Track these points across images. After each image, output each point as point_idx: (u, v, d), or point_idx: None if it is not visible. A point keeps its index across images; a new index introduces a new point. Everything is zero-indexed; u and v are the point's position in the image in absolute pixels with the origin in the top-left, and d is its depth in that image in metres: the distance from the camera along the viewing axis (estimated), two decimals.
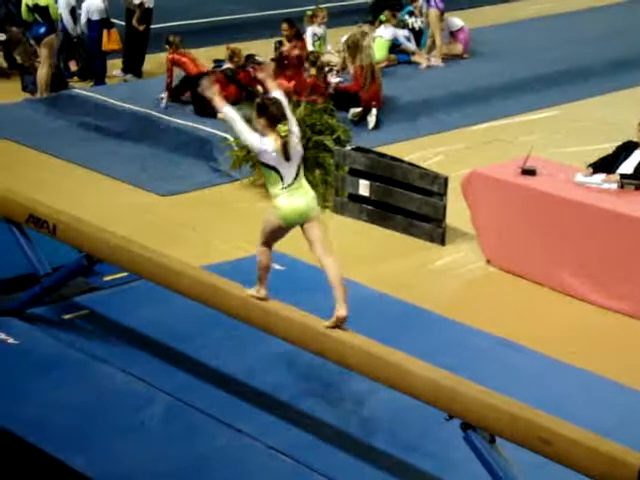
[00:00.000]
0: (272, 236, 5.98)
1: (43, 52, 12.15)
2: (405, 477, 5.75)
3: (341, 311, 5.71)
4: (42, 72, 12.19)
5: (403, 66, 13.33)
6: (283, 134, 5.59)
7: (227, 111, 5.68)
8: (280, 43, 12.13)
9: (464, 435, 5.22)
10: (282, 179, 5.73)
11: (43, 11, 12.05)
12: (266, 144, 5.62)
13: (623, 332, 7.66)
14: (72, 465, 5.51)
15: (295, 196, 5.74)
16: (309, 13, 12.90)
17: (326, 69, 11.74)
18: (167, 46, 11.50)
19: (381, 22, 13.26)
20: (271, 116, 5.59)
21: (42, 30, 12.09)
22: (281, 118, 5.60)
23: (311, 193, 5.83)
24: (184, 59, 11.46)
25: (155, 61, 13.43)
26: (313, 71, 11.34)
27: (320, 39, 12.69)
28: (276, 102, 5.67)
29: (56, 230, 6.87)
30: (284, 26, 12.00)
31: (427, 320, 7.55)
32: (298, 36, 12.10)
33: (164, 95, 11.39)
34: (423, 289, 8.20)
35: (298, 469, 5.75)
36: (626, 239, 7.79)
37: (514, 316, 7.83)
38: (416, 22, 13.78)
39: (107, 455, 5.78)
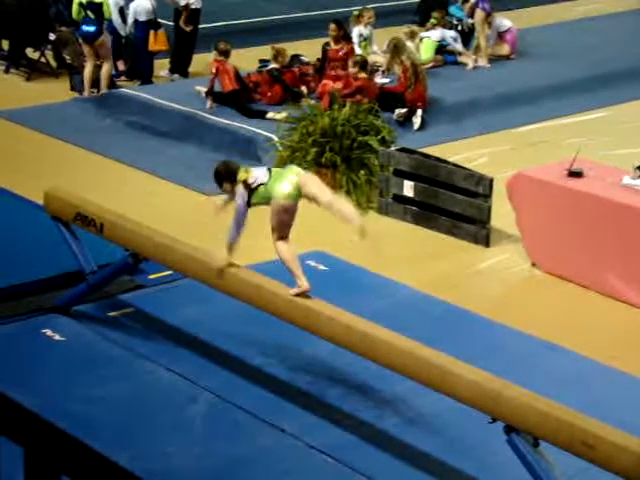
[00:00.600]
0: (284, 225, 6.42)
1: (102, 52, 12.27)
2: (448, 479, 5.74)
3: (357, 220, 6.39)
4: (104, 70, 12.35)
5: (449, 67, 13.30)
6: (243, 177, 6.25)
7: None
8: (328, 44, 12.12)
9: (507, 438, 5.20)
10: (265, 184, 6.29)
11: (96, 9, 12.16)
12: (243, 195, 6.31)
13: None
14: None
15: (282, 177, 6.28)
16: (355, 13, 12.88)
17: (372, 70, 11.73)
18: (215, 51, 11.51)
19: (433, 23, 13.24)
20: (228, 174, 6.36)
21: (92, 29, 12.20)
22: (235, 170, 6.34)
23: (290, 167, 6.45)
24: (225, 72, 11.46)
25: (202, 61, 13.49)
26: (359, 72, 11.33)
27: (366, 40, 12.67)
28: (222, 163, 6.56)
29: (103, 228, 6.93)
30: (332, 27, 11.99)
31: (471, 322, 7.52)
32: (346, 37, 12.09)
33: (201, 88, 11.44)
34: (467, 291, 8.18)
35: (339, 469, 5.76)
36: None
37: (559, 319, 7.78)
38: (465, 23, 13.73)
39: (151, 452, 5.83)
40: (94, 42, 12.24)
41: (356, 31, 12.69)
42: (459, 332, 7.28)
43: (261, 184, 6.25)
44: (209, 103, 11.38)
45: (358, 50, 12.34)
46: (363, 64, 11.33)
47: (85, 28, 12.23)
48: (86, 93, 12.30)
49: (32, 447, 1.68)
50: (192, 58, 13.23)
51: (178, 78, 13.10)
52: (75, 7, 12.26)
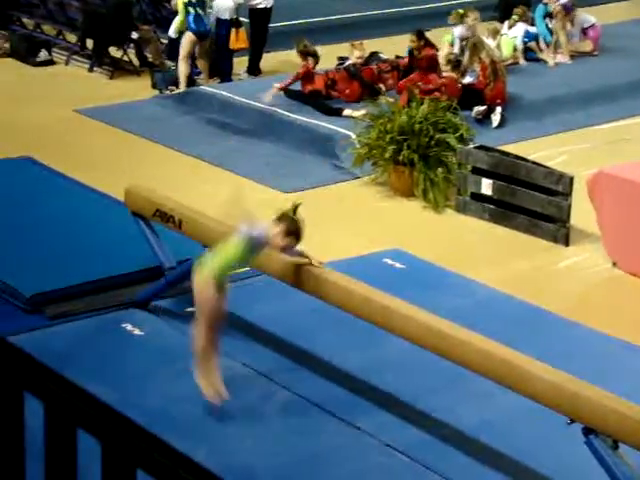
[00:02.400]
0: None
1: (203, 46, 12.49)
2: None
3: None
4: (202, 63, 12.58)
5: (530, 64, 13.15)
6: None
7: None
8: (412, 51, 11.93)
9: (586, 440, 5.13)
10: None
11: (202, 6, 12.36)
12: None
13: None
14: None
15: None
16: (460, 12, 12.52)
17: (464, 70, 11.60)
18: (304, 55, 11.46)
19: (515, 20, 13.08)
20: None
21: (207, 27, 12.43)
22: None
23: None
24: (309, 75, 11.46)
25: (276, 59, 13.56)
26: (452, 70, 11.24)
27: (464, 40, 12.19)
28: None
29: (181, 224, 7.00)
30: (412, 38, 11.77)
31: (550, 322, 7.44)
32: (428, 44, 11.85)
33: (276, 85, 11.41)
34: (546, 290, 8.08)
35: (414, 468, 5.74)
36: None
37: (639, 320, 7.65)
38: (549, 22, 13.54)
39: (227, 447, 5.87)
40: (206, 39, 12.44)
41: (457, 31, 12.42)
42: (537, 332, 7.20)
43: None
44: (268, 96, 11.33)
45: (455, 50, 12.16)
46: (456, 63, 11.27)
47: (197, 25, 12.36)
48: (182, 88, 12.42)
49: (109, 441, 1.71)
50: (262, 56, 13.27)
51: (248, 77, 13.17)
52: (181, 6, 12.40)
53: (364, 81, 11.51)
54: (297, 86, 11.58)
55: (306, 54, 11.43)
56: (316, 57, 11.44)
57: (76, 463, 1.78)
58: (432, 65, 11.45)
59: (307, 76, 11.46)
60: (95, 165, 10.21)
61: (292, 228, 5.97)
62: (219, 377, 6.05)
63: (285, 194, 9.82)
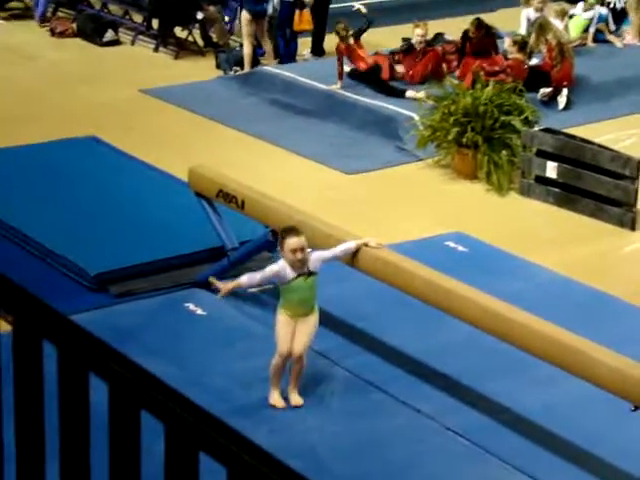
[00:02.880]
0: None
1: (262, 30, 12.54)
2: (586, 468, 5.64)
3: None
4: (266, 43, 12.66)
5: (598, 45, 12.96)
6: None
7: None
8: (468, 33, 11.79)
9: None
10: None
11: None
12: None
13: None
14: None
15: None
16: None
17: (530, 51, 11.47)
18: (336, 35, 11.45)
19: (592, 3, 12.88)
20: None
21: (264, 6, 12.47)
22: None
23: None
24: (353, 53, 11.41)
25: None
26: (517, 52, 11.12)
27: (533, 25, 12.02)
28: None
29: (244, 205, 7.03)
30: (471, 28, 11.61)
31: (615, 308, 7.35)
32: (488, 34, 11.68)
33: (338, 83, 11.34)
34: (611, 275, 7.98)
35: (474, 451, 5.72)
36: None
37: None
38: (618, 1, 13.31)
39: (289, 427, 5.90)
40: (264, 19, 12.46)
41: (524, 14, 12.29)
42: (601, 317, 7.13)
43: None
44: (338, 84, 11.29)
45: (522, 31, 12.02)
46: (522, 45, 11.14)
47: (253, 4, 12.40)
48: (247, 69, 12.45)
49: (173, 423, 1.72)
50: (325, 37, 13.23)
51: (312, 57, 13.14)
52: None
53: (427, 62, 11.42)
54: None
55: (339, 36, 11.34)
56: (345, 39, 11.31)
57: (139, 444, 1.80)
58: (487, 45, 11.33)
59: (354, 56, 11.40)
60: (159, 145, 10.29)
61: (279, 240, 6.01)
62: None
63: (348, 175, 9.81)
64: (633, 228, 8.74)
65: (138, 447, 1.76)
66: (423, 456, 5.71)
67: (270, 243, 7.16)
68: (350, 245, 6.16)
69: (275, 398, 6.09)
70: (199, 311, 7.17)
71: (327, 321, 7.07)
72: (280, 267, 5.93)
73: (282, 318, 6.06)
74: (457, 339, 6.69)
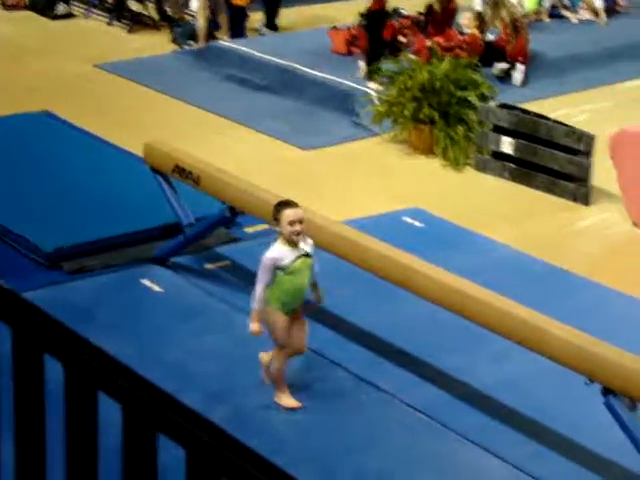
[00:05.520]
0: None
1: (219, 4, 12.40)
2: (540, 441, 5.69)
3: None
4: (221, 18, 12.49)
5: (553, 21, 13.01)
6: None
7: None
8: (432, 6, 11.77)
9: (604, 400, 5.12)
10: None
11: None
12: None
13: None
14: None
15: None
16: None
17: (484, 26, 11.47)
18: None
19: None
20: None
21: None
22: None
23: None
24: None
25: (294, 14, 13.46)
26: (474, 27, 11.12)
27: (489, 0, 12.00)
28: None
29: (200, 181, 6.98)
30: (437, 3, 11.58)
31: (569, 282, 7.41)
32: (450, 10, 11.68)
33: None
34: (565, 250, 8.05)
35: (433, 426, 5.75)
36: None
37: None
38: None
39: (247, 407, 5.89)
40: None
41: None
42: (557, 292, 7.18)
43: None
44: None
45: (478, 7, 12.02)
46: (478, 20, 11.15)
47: None
48: (201, 43, 12.34)
49: (129, 404, 1.70)
50: (279, 12, 13.16)
51: (268, 31, 13.06)
52: None
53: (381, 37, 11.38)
54: None
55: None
56: None
57: (96, 426, 1.78)
58: (448, 19, 11.34)
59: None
60: (114, 120, 10.19)
61: (274, 212, 5.61)
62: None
63: (304, 151, 9.79)
64: (587, 203, 8.81)
65: (95, 429, 1.74)
66: (383, 432, 5.73)
67: (227, 219, 7.13)
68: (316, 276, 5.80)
69: (287, 400, 5.80)
70: (155, 288, 7.13)
71: None
72: (276, 251, 5.53)
73: (278, 318, 5.64)
74: (414, 315, 6.71)
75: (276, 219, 5.55)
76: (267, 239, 7.75)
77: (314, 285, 5.80)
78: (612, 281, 7.40)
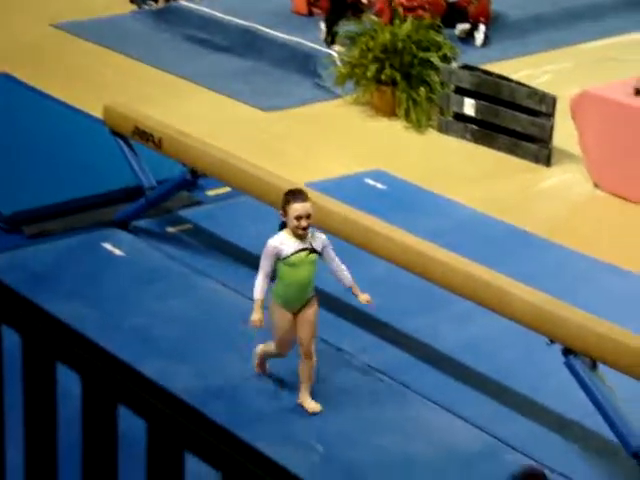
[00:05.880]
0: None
1: None
2: (502, 401, 5.73)
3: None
4: None
5: None
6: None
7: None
8: None
9: (565, 360, 5.17)
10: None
11: None
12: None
13: None
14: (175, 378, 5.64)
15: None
16: None
17: None
18: None
19: None
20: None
21: None
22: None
23: None
24: None
25: None
26: None
27: None
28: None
29: (161, 143, 6.93)
30: None
31: (530, 243, 7.45)
32: None
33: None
34: (527, 211, 8.08)
35: (395, 388, 5.78)
36: None
37: (620, 241, 7.67)
38: None
39: (210, 369, 5.89)
40: None
41: None
42: (518, 253, 7.22)
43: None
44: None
45: None
46: None
47: None
48: (160, 3, 12.17)
49: (88, 374, 1.67)
50: None
51: None
52: None
53: None
54: None
55: None
56: None
57: (55, 396, 1.75)
58: None
59: None
60: (73, 82, 10.06)
61: (283, 202, 5.37)
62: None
63: (266, 112, 9.72)
64: (548, 164, 8.83)
65: (53, 400, 1.72)
66: (344, 393, 5.74)
67: (188, 182, 7.09)
68: (344, 276, 5.58)
69: (258, 364, 5.75)
70: (117, 251, 7.09)
71: (247, 260, 7.04)
72: (279, 239, 5.37)
73: (281, 316, 5.46)
74: (377, 276, 6.72)
75: (284, 210, 5.35)
76: (229, 202, 7.77)
77: (353, 288, 5.57)
78: (573, 242, 7.44)
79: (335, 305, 6.51)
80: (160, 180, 7.20)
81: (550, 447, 5.37)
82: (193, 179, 7.01)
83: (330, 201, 6.20)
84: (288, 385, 5.76)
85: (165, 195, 7.28)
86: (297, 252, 5.36)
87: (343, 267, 5.55)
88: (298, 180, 6.92)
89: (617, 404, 5.08)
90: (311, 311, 5.50)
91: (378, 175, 8.35)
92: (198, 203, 7.78)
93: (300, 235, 5.34)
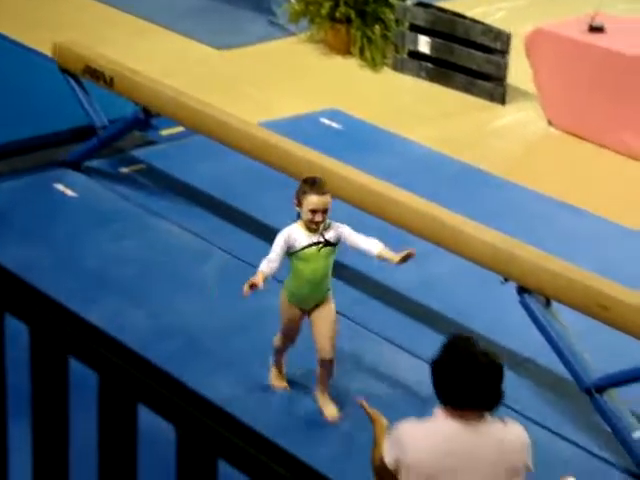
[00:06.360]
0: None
1: None
2: None
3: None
4: None
5: None
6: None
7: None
8: None
9: (520, 299, 5.20)
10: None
11: None
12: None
13: None
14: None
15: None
16: None
17: None
18: None
19: None
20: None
21: None
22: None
23: None
24: None
25: None
26: None
27: None
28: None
29: (113, 82, 6.82)
30: None
31: (486, 182, 7.46)
32: None
33: None
34: (482, 149, 8.08)
35: (351, 326, 5.79)
36: None
37: (574, 179, 7.70)
38: None
39: (166, 309, 5.86)
40: None
41: None
42: (473, 192, 7.23)
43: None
44: None
45: None
46: None
47: None
48: None
49: (36, 326, 1.64)
50: None
51: None
52: None
53: None
54: None
55: None
56: None
57: (3, 347, 1.72)
58: None
59: None
60: (20, 18, 9.85)
61: (298, 191, 4.89)
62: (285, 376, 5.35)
63: (219, 51, 9.60)
64: (503, 102, 8.82)
65: (2, 353, 1.68)
66: (301, 334, 5.74)
67: (141, 121, 6.99)
68: (372, 248, 4.99)
69: (273, 376, 5.29)
70: (69, 192, 7.00)
71: (201, 200, 6.99)
72: (291, 230, 4.90)
73: (284, 303, 5.09)
74: (333, 217, 6.68)
75: (298, 200, 4.86)
76: (182, 141, 7.68)
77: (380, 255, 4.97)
78: (528, 180, 7.46)
79: None
80: (112, 120, 7.10)
81: (504, 384, 5.41)
82: (146, 118, 6.92)
83: (285, 141, 6.15)
84: (241, 328, 5.75)
85: (117, 134, 7.19)
86: (309, 246, 4.89)
87: (370, 241, 4.99)
88: (251, 119, 6.86)
89: (570, 341, 5.13)
90: (327, 310, 5.02)
91: (333, 114, 8.29)
92: (152, 143, 7.70)
93: (313, 229, 4.88)
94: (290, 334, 5.18)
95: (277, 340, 5.26)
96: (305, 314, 5.08)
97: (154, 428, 1.85)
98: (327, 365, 5.06)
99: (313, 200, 4.82)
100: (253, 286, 4.79)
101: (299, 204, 4.86)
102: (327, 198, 4.86)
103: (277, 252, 4.88)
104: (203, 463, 1.48)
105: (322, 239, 4.91)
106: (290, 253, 4.91)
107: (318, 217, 4.84)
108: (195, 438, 1.50)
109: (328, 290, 5.05)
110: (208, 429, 1.48)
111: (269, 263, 4.86)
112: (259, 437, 1.46)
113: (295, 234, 4.88)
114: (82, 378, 1.81)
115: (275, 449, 1.45)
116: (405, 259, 4.92)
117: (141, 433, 1.62)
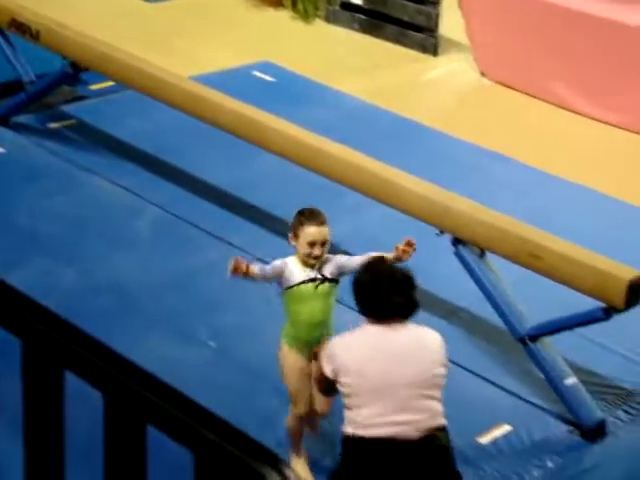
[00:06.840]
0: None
1: None
2: None
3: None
4: None
5: None
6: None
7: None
8: None
9: (455, 250, 5.22)
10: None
11: None
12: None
13: (617, 144, 7.60)
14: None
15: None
16: None
17: None
18: None
19: None
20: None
21: None
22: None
23: None
24: None
25: None
26: None
27: None
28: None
29: (39, 36, 6.68)
30: None
31: (418, 133, 7.46)
32: None
33: None
34: (414, 101, 8.07)
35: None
36: (624, 49, 7.62)
37: (507, 129, 7.74)
38: None
39: (98, 266, 5.79)
40: None
41: None
42: (406, 144, 7.23)
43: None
44: None
45: None
46: None
47: None
48: None
49: None
50: None
51: None
52: None
53: None
54: None
55: None
56: None
57: None
58: None
59: None
60: None
61: (294, 223, 4.34)
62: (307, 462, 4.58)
63: (146, 3, 9.44)
64: (435, 53, 8.82)
65: None
66: (235, 287, 5.72)
67: (69, 75, 6.87)
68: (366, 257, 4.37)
69: (299, 468, 4.45)
70: None
71: (132, 155, 6.91)
72: (285, 263, 4.28)
73: (287, 356, 4.34)
74: (266, 171, 6.66)
75: (294, 233, 4.30)
76: (112, 96, 7.56)
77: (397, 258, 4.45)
78: (461, 132, 7.48)
79: (226, 200, 6.45)
80: (40, 74, 6.95)
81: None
82: (74, 73, 6.79)
83: (217, 94, 6.08)
84: (176, 285, 5.71)
85: (46, 89, 7.05)
86: (304, 282, 4.26)
87: (367, 255, 4.41)
88: (182, 73, 6.77)
89: (505, 291, 5.17)
90: None
91: (266, 67, 8.22)
92: (81, 98, 7.57)
93: (310, 264, 4.27)
94: (303, 395, 4.36)
95: (290, 419, 4.46)
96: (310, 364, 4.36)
97: (82, 393, 1.82)
98: (317, 420, 4.53)
99: (311, 231, 4.26)
100: (237, 270, 4.23)
101: (295, 237, 4.29)
102: (326, 229, 4.31)
103: (270, 268, 4.30)
104: (132, 429, 1.46)
105: (319, 276, 4.28)
106: (284, 289, 4.30)
107: (317, 250, 4.24)
108: (123, 404, 1.48)
109: (330, 334, 4.28)
110: (136, 395, 1.46)
111: (260, 266, 4.33)
112: (188, 402, 1.43)
113: (291, 266, 4.27)
114: (5, 344, 1.77)
115: (205, 414, 1.43)
116: (404, 256, 4.49)
117: (69, 398, 1.58)
